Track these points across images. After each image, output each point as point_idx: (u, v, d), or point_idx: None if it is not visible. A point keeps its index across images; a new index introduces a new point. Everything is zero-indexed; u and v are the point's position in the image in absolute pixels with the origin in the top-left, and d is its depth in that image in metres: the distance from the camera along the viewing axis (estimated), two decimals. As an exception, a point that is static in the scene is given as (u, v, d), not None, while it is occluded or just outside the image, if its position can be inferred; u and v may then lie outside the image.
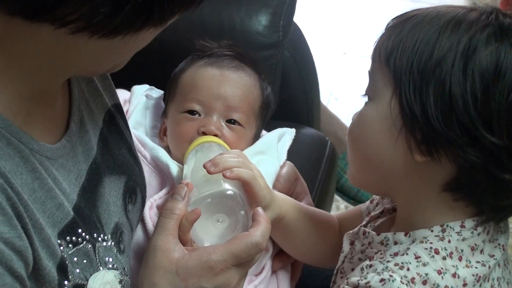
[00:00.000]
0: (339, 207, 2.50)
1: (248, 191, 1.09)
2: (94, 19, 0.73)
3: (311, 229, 1.23)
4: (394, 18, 1.03)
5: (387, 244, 1.02)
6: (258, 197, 1.10)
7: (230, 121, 1.31)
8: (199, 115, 1.31)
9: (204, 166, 1.07)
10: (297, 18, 1.73)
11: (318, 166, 1.71)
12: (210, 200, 1.04)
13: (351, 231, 1.12)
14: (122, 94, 1.38)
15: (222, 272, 0.97)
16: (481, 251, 0.99)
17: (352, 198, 2.32)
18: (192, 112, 1.31)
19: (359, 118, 1.03)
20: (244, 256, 0.98)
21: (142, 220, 1.19)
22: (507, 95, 0.91)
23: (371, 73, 1.02)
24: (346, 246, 1.12)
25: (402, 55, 0.96)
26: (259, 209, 1.04)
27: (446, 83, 0.92)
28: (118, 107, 1.11)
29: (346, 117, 2.54)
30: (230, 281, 0.98)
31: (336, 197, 2.35)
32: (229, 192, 1.05)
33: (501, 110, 0.91)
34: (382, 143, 0.99)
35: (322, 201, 1.69)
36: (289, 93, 1.74)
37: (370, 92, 1.02)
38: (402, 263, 0.95)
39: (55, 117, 0.92)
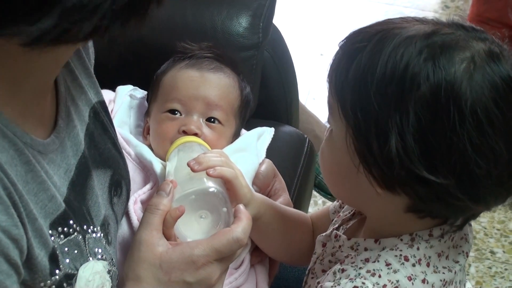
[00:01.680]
0: (317, 202, 2.51)
1: (230, 189, 1.10)
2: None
3: (287, 230, 1.23)
4: (348, 37, 0.98)
5: (357, 249, 1.03)
6: (239, 195, 1.10)
7: (210, 120, 1.32)
8: (180, 115, 1.31)
9: (188, 165, 1.07)
10: (277, 21, 1.73)
11: (297, 163, 1.71)
12: (194, 197, 1.05)
13: (324, 234, 1.13)
14: (107, 95, 1.37)
15: (204, 266, 0.98)
16: (447, 257, 0.99)
17: (330, 194, 2.33)
18: (173, 112, 1.32)
19: (326, 147, 1.03)
20: (226, 251, 0.99)
21: (127, 214, 1.20)
22: (444, 131, 0.88)
23: (328, 103, 1.00)
24: (318, 248, 1.13)
25: (348, 92, 0.93)
26: (241, 206, 1.05)
27: (386, 134, 0.89)
28: (102, 103, 1.11)
29: (323, 116, 2.55)
30: (212, 275, 0.99)
31: (314, 192, 2.36)
32: (212, 190, 1.06)
33: (442, 152, 0.89)
34: (346, 174, 0.98)
35: (300, 197, 1.70)
36: (268, 93, 1.74)
37: (330, 123, 1.01)
38: (374, 270, 0.96)
39: (45, 114, 0.93)
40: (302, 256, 1.21)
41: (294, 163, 1.70)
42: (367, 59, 0.91)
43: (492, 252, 2.37)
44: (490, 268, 2.32)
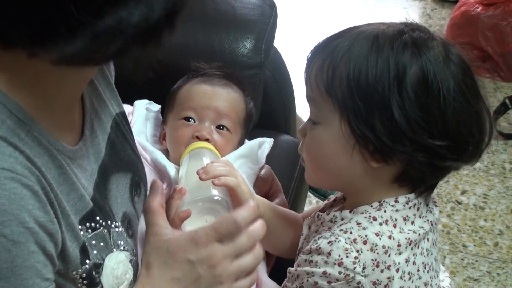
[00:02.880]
0: (312, 202, 2.49)
1: (233, 196, 1.09)
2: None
3: (283, 227, 1.23)
4: (319, 45, 1.01)
5: (335, 221, 1.03)
6: (241, 201, 1.09)
7: (219, 127, 1.32)
8: (194, 122, 1.32)
9: (197, 173, 1.08)
10: (277, 43, 1.73)
11: (294, 167, 1.71)
12: (201, 204, 1.05)
13: (309, 217, 1.13)
14: (125, 108, 1.38)
15: (204, 245, 0.93)
16: (412, 223, 1.00)
17: (323, 195, 2.32)
18: (188, 119, 1.32)
19: (313, 140, 1.02)
20: (224, 231, 0.94)
21: (144, 212, 1.19)
22: (438, 103, 0.92)
23: (312, 100, 1.00)
24: (305, 230, 1.13)
25: (341, 85, 0.94)
26: (251, 201, 1.00)
27: (388, 107, 0.91)
28: (123, 114, 1.11)
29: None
30: (212, 255, 0.93)
31: (309, 193, 2.35)
32: (216, 198, 1.06)
33: (438, 117, 0.93)
34: (339, 158, 0.98)
35: (297, 198, 1.69)
36: (269, 106, 1.74)
37: (317, 117, 1.00)
38: (346, 228, 0.97)
39: (73, 124, 0.93)
40: (295, 249, 1.20)
41: (291, 168, 1.70)
42: (354, 56, 0.94)
43: (464, 246, 2.36)
44: (462, 259, 2.30)
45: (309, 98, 1.01)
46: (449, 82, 0.93)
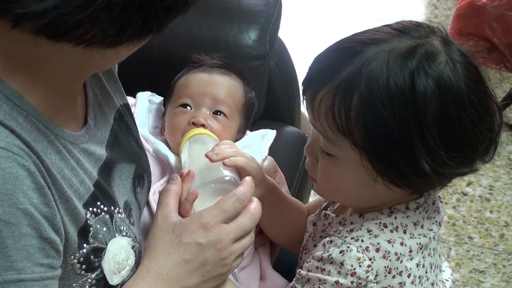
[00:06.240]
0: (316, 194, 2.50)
1: (245, 173, 1.10)
2: (105, 39, 0.74)
3: (287, 213, 1.23)
4: (319, 71, 0.95)
5: (345, 224, 1.03)
6: (253, 177, 1.09)
7: (216, 113, 1.32)
8: (191, 108, 1.32)
9: (207, 156, 1.08)
10: (281, 34, 1.72)
11: (298, 159, 1.71)
12: (214, 185, 1.05)
13: (313, 214, 1.13)
14: (128, 100, 1.39)
15: (213, 228, 0.96)
16: (422, 226, 1.00)
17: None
18: (184, 106, 1.32)
19: (330, 172, 0.99)
20: (230, 210, 0.98)
21: (147, 204, 1.19)
22: (461, 130, 0.90)
23: (324, 134, 0.95)
24: (309, 227, 1.13)
25: (357, 129, 0.89)
26: (247, 177, 1.04)
27: (413, 153, 0.88)
28: (126, 106, 1.11)
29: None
30: (222, 237, 0.97)
31: (314, 184, 2.35)
32: (228, 178, 1.06)
33: (460, 145, 0.91)
34: (360, 188, 0.97)
35: (302, 188, 1.69)
36: (274, 97, 1.74)
37: (332, 151, 0.96)
38: (357, 236, 0.96)
39: (76, 113, 0.93)
40: (296, 239, 1.20)
41: (296, 159, 1.70)
42: (368, 101, 0.87)
43: (470, 238, 2.36)
44: (468, 251, 2.30)
45: (319, 131, 0.96)
46: (465, 101, 0.89)
